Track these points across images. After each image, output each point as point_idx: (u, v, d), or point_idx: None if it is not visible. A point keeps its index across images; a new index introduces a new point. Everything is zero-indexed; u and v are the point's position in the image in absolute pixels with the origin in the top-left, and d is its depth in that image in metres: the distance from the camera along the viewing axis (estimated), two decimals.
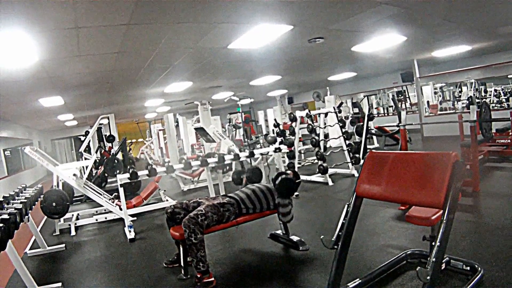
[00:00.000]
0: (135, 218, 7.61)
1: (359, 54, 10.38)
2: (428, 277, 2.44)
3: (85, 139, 12.91)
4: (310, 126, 9.69)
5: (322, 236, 3.20)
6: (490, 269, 3.63)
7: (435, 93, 19.04)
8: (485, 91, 18.03)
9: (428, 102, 18.25)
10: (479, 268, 3.53)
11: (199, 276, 4.06)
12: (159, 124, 21.20)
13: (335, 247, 3.14)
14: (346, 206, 3.21)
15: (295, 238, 4.92)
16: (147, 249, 5.96)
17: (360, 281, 3.59)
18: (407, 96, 20.57)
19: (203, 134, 10.82)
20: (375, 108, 22.05)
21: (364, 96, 20.60)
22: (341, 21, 6.78)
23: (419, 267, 2.48)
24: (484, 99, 16.63)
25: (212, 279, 4.12)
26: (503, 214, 5.39)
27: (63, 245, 6.53)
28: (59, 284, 4.71)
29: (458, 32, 9.40)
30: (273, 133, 12.75)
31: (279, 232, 5.20)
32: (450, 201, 2.56)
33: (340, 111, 10.43)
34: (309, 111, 9.95)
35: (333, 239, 3.15)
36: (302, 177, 9.50)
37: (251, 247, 5.36)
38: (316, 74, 14.91)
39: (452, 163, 2.63)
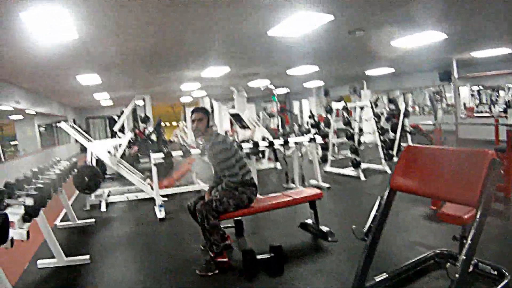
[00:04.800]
0: (166, 198, 7.66)
1: (398, 50, 10.25)
2: (457, 275, 2.41)
3: (119, 117, 13.06)
4: (346, 119, 9.60)
5: (353, 227, 3.18)
6: None
7: (472, 95, 18.64)
8: None
9: (464, 104, 17.92)
10: (507, 274, 3.46)
11: (212, 255, 4.15)
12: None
13: (366, 238, 3.12)
14: (379, 198, 3.18)
15: (324, 229, 4.90)
16: (176, 229, 6.04)
17: (386, 276, 3.56)
18: (443, 96, 20.17)
19: (238, 120, 10.85)
20: (411, 107, 21.67)
21: (401, 93, 20.33)
22: (383, 13, 6.69)
23: (448, 264, 2.45)
24: None
25: (226, 259, 4.20)
26: None
27: (93, 220, 6.66)
28: (87, 256, 4.78)
29: (499, 34, 9.21)
30: (308, 124, 12.69)
31: (309, 221, 5.18)
32: (484, 199, 2.50)
33: (376, 106, 10.34)
34: (346, 103, 9.85)
35: (364, 230, 3.13)
36: (335, 170, 9.48)
37: (280, 235, 5.36)
38: (354, 67, 14.81)
39: (489, 161, 2.57)
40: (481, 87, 18.43)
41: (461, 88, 17.98)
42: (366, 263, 3.14)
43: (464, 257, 2.43)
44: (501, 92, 17.74)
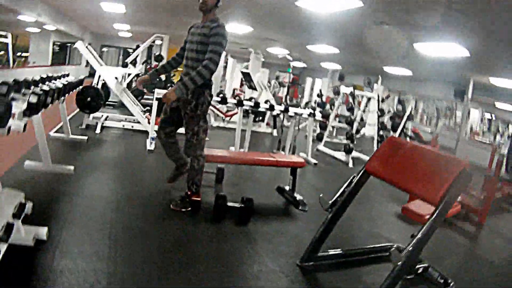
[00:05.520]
0: None
1: (420, 54, 10.28)
2: (400, 263, 2.61)
3: (134, 51, 13.15)
4: (350, 105, 9.75)
5: (321, 195, 3.38)
6: None
7: (482, 120, 18.66)
8: None
9: (471, 127, 18.00)
10: (452, 284, 3.65)
11: (189, 193, 4.33)
12: None
13: (329, 210, 3.32)
14: (352, 176, 3.37)
15: (298, 197, 5.12)
16: (161, 162, 6.18)
17: (340, 251, 3.77)
18: (454, 113, 20.18)
19: (247, 80, 10.97)
20: (420, 114, 21.65)
21: (414, 98, 20.34)
22: (411, 12, 6.72)
23: (393, 249, 2.65)
24: None
25: (199, 199, 4.37)
26: (496, 252, 5.48)
27: (86, 138, 6.86)
28: (72, 167, 5.00)
29: None
30: (315, 103, 12.79)
31: (286, 187, 5.39)
32: (445, 201, 2.69)
33: (383, 101, 10.46)
34: (354, 90, 9.99)
35: (330, 202, 3.33)
36: (326, 150, 9.63)
37: (257, 192, 5.57)
38: (373, 60, 14.79)
39: (460, 169, 2.75)
40: (493, 116, 18.48)
41: (473, 111, 18.06)
42: (324, 233, 3.37)
43: (410, 248, 2.63)
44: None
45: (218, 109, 10.56)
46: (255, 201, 4.36)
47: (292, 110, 7.75)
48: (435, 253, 4.57)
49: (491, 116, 18.53)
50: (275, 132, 11.14)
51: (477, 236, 6.12)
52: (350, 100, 9.89)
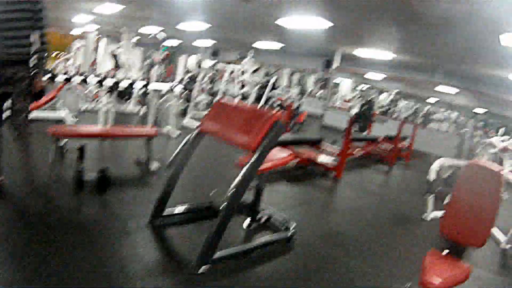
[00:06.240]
0: None
1: (285, 29, 10.72)
2: (223, 205, 2.95)
3: None
4: (212, 77, 10.14)
5: (160, 154, 3.65)
6: (306, 234, 4.28)
7: (354, 89, 19.70)
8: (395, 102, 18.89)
9: (343, 96, 19.01)
10: (292, 228, 4.11)
11: None
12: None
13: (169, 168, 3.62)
14: (188, 136, 3.67)
15: (153, 167, 5.39)
16: None
17: (186, 207, 4.12)
18: (327, 83, 21.12)
19: (115, 59, 10.93)
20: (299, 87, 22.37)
21: (292, 73, 21.04)
22: None
23: (214, 191, 2.98)
24: (389, 108, 17.67)
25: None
26: (346, 202, 6.25)
27: None
28: None
29: (383, 35, 9.98)
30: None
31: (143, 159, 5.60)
32: (262, 148, 3.05)
33: (254, 72, 10.89)
34: (217, 63, 10.35)
35: (169, 161, 3.63)
36: (191, 123, 9.89)
37: (118, 165, 5.75)
38: (243, 35, 15.15)
39: (273, 120, 3.12)
40: (365, 86, 19.63)
41: (346, 81, 19.09)
42: (166, 193, 3.66)
43: (234, 189, 2.97)
44: (383, 95, 19.02)
45: (85, 90, 10.44)
46: (115, 172, 4.68)
47: (152, 86, 7.90)
48: (293, 206, 5.25)
49: (363, 86, 19.69)
50: (143, 110, 11.14)
51: (331, 188, 6.84)
52: (212, 73, 10.27)
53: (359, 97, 18.68)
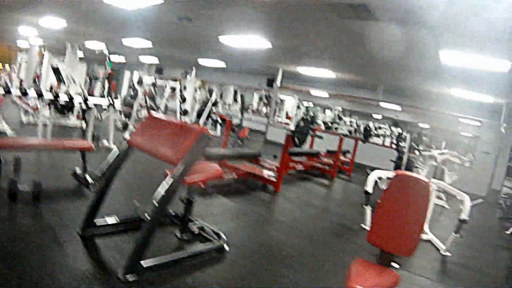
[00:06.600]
0: None
1: (227, 47, 10.92)
2: (147, 215, 3.06)
3: None
4: (151, 93, 10.30)
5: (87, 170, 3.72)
6: (241, 246, 4.44)
7: (298, 107, 20.07)
8: (340, 119, 19.38)
9: (287, 112, 19.35)
10: (223, 237, 4.26)
11: None
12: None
13: (99, 182, 3.69)
14: (117, 151, 3.76)
15: (89, 179, 5.35)
16: None
17: (117, 219, 4.16)
18: (269, 101, 21.45)
19: (57, 73, 10.85)
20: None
21: (235, 91, 21.31)
22: (211, 8, 7.23)
23: (136, 202, 3.09)
24: (333, 123, 18.13)
25: None
26: (285, 214, 6.46)
27: None
28: None
29: (319, 54, 10.25)
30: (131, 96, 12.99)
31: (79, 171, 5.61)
32: (185, 161, 3.19)
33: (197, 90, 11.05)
34: (156, 79, 10.56)
35: (99, 174, 3.71)
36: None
37: (55, 177, 5.81)
38: (186, 53, 15.28)
39: (198, 135, 3.26)
40: (310, 104, 20.03)
41: (289, 98, 19.45)
42: (97, 203, 3.76)
43: (156, 203, 3.09)
44: (328, 112, 19.45)
45: (26, 103, 10.31)
46: (51, 184, 4.81)
47: (91, 101, 7.94)
48: (230, 219, 5.47)
49: (308, 103, 20.07)
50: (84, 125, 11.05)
51: (269, 201, 7.00)
52: (152, 90, 10.41)
53: (303, 114, 19.04)
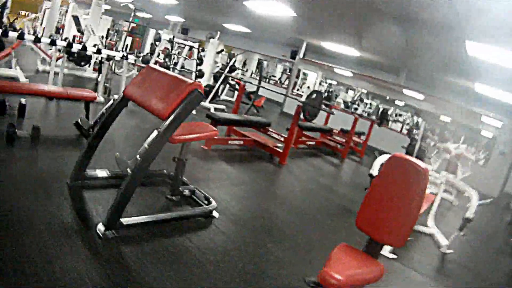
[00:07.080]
0: None
1: (252, 12, 10.66)
2: (129, 170, 2.93)
3: None
4: (168, 51, 10.14)
5: (81, 117, 3.60)
6: (233, 215, 4.33)
7: (320, 84, 19.75)
8: (362, 100, 19.01)
9: (308, 87, 19.09)
10: (213, 203, 4.18)
11: None
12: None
13: (91, 130, 3.56)
14: (112, 100, 3.63)
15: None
16: None
17: (108, 173, 4.07)
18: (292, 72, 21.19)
19: (76, 23, 10.76)
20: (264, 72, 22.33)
21: (260, 61, 21.07)
22: None
23: (118, 155, 2.96)
24: (353, 103, 17.84)
25: None
26: (285, 187, 6.32)
27: None
28: None
29: (344, 30, 9.98)
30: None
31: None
32: (174, 116, 3.04)
33: (219, 53, 10.88)
34: (174, 37, 10.36)
35: (91, 123, 3.58)
36: None
37: (56, 126, 5.79)
38: (212, 16, 15.06)
39: (190, 89, 3.10)
40: (333, 82, 19.72)
41: (313, 74, 19.19)
42: (88, 152, 3.63)
43: (138, 158, 2.95)
44: (350, 92, 19.13)
45: (43, 51, 10.22)
46: (52, 132, 4.78)
47: (104, 52, 7.83)
48: (230, 185, 5.34)
49: (330, 81, 19.77)
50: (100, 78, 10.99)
51: (274, 172, 6.90)
52: (169, 48, 10.25)
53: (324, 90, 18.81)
